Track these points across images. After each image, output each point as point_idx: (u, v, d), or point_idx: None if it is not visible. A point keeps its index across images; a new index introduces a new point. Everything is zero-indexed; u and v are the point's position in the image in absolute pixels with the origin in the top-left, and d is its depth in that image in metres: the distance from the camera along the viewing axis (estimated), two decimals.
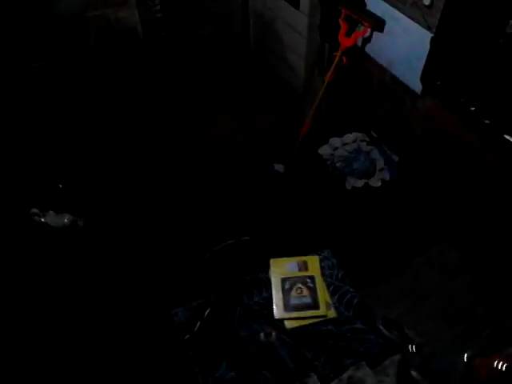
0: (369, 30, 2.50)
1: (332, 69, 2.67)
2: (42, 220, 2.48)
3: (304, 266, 2.08)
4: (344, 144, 2.95)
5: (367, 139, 2.97)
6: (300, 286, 2.00)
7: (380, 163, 2.85)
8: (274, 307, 1.94)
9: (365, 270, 2.34)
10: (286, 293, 1.98)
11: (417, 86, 2.43)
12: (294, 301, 1.95)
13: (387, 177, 2.83)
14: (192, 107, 3.45)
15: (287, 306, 1.94)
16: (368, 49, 2.67)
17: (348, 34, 2.56)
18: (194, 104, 3.48)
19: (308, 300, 1.96)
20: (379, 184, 2.81)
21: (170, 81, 3.56)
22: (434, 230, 2.58)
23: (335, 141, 2.98)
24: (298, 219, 2.69)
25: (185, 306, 1.96)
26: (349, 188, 2.83)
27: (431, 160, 2.63)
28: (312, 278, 2.03)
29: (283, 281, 2.02)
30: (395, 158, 2.88)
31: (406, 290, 2.33)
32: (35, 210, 2.48)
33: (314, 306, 1.94)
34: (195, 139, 3.23)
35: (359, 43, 2.68)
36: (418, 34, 2.27)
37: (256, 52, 3.92)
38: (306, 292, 1.98)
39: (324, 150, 2.97)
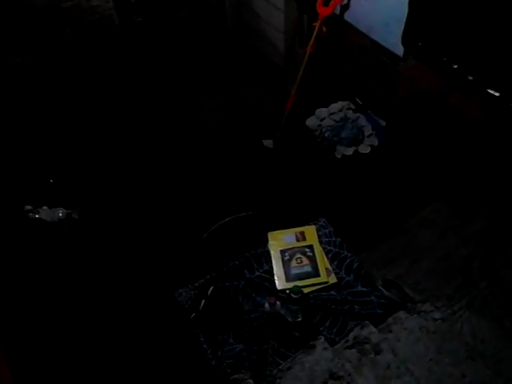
0: None
1: (312, 40, 2.65)
2: (37, 216, 2.48)
3: (302, 237, 2.11)
4: (330, 114, 2.96)
5: (353, 107, 2.99)
6: (299, 255, 2.05)
7: (368, 129, 2.87)
8: (276, 279, 1.98)
9: (361, 235, 2.38)
10: (286, 264, 2.02)
11: (398, 50, 2.43)
12: (294, 271, 2.00)
13: (376, 142, 2.85)
14: (174, 90, 3.43)
15: (288, 277, 1.98)
16: (347, 16, 2.66)
17: (325, 4, 2.54)
18: (176, 87, 3.46)
19: (308, 268, 2.00)
20: (368, 150, 2.83)
21: (149, 65, 3.53)
22: (426, 190, 2.62)
23: (321, 111, 2.99)
24: (292, 192, 2.71)
25: (188, 286, 2.00)
26: (339, 157, 2.85)
27: (417, 121, 2.65)
28: (310, 247, 2.07)
29: (282, 252, 2.06)
30: (382, 122, 2.90)
31: (403, 251, 2.37)
32: (29, 207, 2.48)
33: (315, 273, 1.98)
34: (181, 122, 3.22)
35: (338, 11, 2.67)
36: None
37: (234, 30, 3.87)
38: (305, 261, 2.02)
39: (311, 122, 2.98)
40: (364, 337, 1.53)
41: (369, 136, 2.86)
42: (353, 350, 1.51)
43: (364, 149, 2.84)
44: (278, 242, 2.10)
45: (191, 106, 3.32)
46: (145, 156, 2.97)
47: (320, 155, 2.88)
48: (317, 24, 2.60)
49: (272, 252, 2.06)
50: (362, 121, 2.90)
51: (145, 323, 2.18)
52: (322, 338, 1.55)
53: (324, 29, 2.63)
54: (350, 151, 2.83)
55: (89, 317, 2.23)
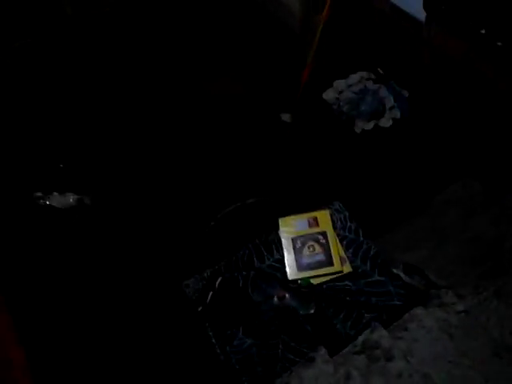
0: None
1: (327, 5, 2.46)
2: (47, 203, 2.44)
3: (314, 222, 1.99)
4: (349, 86, 2.77)
5: (374, 77, 2.78)
6: (312, 243, 1.93)
7: (389, 101, 2.67)
8: (287, 268, 1.88)
9: (380, 217, 2.22)
10: (297, 252, 1.91)
11: (420, 14, 2.22)
12: (306, 259, 1.89)
13: (398, 115, 2.65)
14: (188, 66, 3.29)
15: (300, 266, 1.87)
16: None
17: None
18: (188, 59, 3.31)
19: (321, 257, 1.88)
20: (390, 123, 2.64)
21: (159, 42, 3.39)
22: (453, 166, 2.43)
23: (340, 83, 2.80)
24: (307, 172, 2.57)
25: (195, 276, 1.93)
26: (358, 132, 2.67)
27: (443, 92, 2.44)
28: (324, 233, 1.95)
29: (294, 240, 1.94)
30: (405, 93, 2.69)
31: (427, 232, 2.21)
32: (38, 194, 2.44)
33: (328, 262, 1.87)
34: (196, 97, 3.08)
35: None
36: None
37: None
38: (318, 249, 1.91)
39: (329, 95, 2.80)
40: (374, 341, 1.42)
41: (391, 108, 2.66)
42: (361, 356, 1.40)
43: (385, 122, 2.64)
44: (290, 228, 1.98)
45: (206, 81, 3.19)
46: (157, 137, 2.88)
47: (339, 130, 2.72)
48: None
49: (283, 240, 1.95)
50: (383, 92, 2.70)
51: (151, 315, 2.11)
52: (323, 350, 1.45)
53: None
54: (370, 125, 2.65)
55: (95, 308, 2.19)
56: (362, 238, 1.96)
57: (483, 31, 1.92)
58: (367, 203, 2.27)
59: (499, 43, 1.87)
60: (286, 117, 2.92)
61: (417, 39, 2.38)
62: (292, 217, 2.02)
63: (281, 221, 2.01)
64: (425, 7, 2.14)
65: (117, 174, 2.68)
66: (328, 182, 2.44)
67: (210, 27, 3.47)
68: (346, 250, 1.93)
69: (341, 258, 1.88)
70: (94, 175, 2.66)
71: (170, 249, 2.32)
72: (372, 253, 1.92)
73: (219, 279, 1.85)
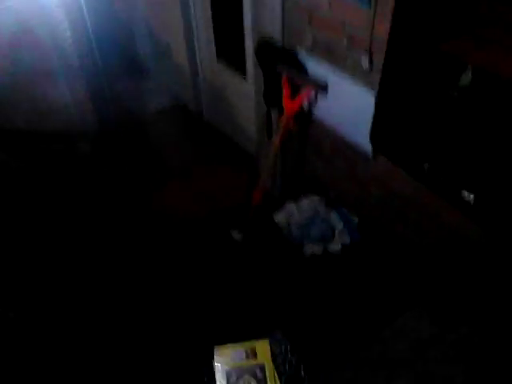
0: (312, 92, 2.42)
1: (280, 134, 2.57)
2: None
3: (252, 353, 1.84)
4: (300, 210, 2.80)
5: (324, 202, 2.83)
6: (247, 377, 1.77)
7: (339, 226, 2.69)
8: None
9: (327, 349, 2.10)
10: None
11: (368, 147, 2.32)
12: None
13: (347, 240, 2.66)
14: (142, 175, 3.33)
15: None
16: (316, 112, 2.58)
17: (292, 98, 2.47)
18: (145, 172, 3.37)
19: None
20: (339, 248, 2.63)
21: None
22: (403, 296, 2.39)
23: (291, 207, 2.83)
24: (251, 295, 2.48)
25: None
26: (307, 255, 2.64)
27: (391, 221, 2.48)
28: (262, 367, 1.80)
29: (229, 373, 1.78)
30: (355, 219, 2.73)
31: (374, 368, 2.10)
32: None
33: None
34: (144, 210, 3.06)
35: (306, 107, 2.60)
36: (361, 95, 2.18)
37: (209, 121, 3.89)
38: None
39: (280, 218, 2.81)
40: None
41: (340, 233, 2.67)
42: None
43: (335, 247, 2.64)
44: (226, 358, 1.82)
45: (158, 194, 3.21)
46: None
47: (287, 253, 2.68)
48: (283, 119, 2.52)
49: (217, 373, 1.79)
50: (334, 217, 2.73)
51: None
52: None
53: (292, 123, 2.56)
54: (319, 249, 2.63)
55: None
56: (303, 374, 1.81)
57: (427, 165, 1.98)
58: (312, 334, 2.16)
59: (442, 178, 1.93)
60: (236, 235, 2.89)
61: (365, 170, 2.46)
62: (229, 346, 1.87)
63: (217, 349, 1.86)
64: (371, 140, 2.23)
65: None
66: (271, 308, 2.34)
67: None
68: None
69: None
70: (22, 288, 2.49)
71: None
72: None
73: None
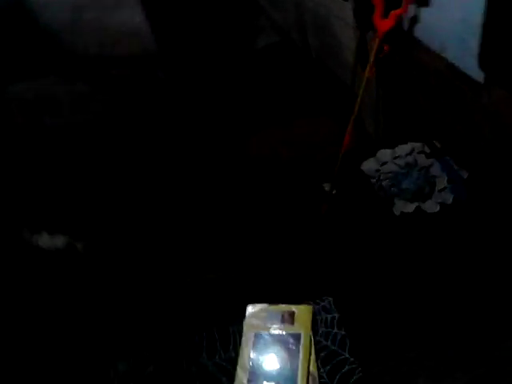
0: (408, 4, 1.89)
1: (371, 61, 2.09)
2: (35, 241, 2.26)
3: (290, 319, 1.51)
4: (395, 157, 2.30)
5: (427, 150, 2.29)
6: (277, 346, 1.46)
7: (441, 181, 2.15)
8: (238, 372, 1.42)
9: (385, 333, 1.66)
10: (257, 354, 1.45)
11: (478, 74, 1.74)
12: (263, 369, 1.41)
13: (449, 199, 2.11)
14: (232, 122, 3.10)
15: (254, 374, 1.40)
16: (417, 32, 2.04)
17: (385, 15, 1.97)
18: (244, 118, 3.14)
19: (284, 369, 1.40)
20: (437, 209, 2.11)
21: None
22: None
23: (384, 153, 2.35)
24: (323, 253, 2.12)
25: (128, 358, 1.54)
26: (397, 214, 2.17)
27: (509, 173, 1.89)
28: (297, 336, 1.47)
29: (257, 337, 1.49)
30: (464, 174, 2.16)
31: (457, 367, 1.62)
32: (26, 231, 2.27)
33: (290, 379, 1.38)
34: (236, 158, 2.86)
35: (405, 26, 2.07)
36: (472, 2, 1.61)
37: (317, 58, 3.49)
38: (283, 357, 1.43)
39: (368, 165, 2.35)
40: None
41: (441, 190, 2.14)
42: None
43: (431, 207, 2.12)
44: (258, 320, 1.53)
45: (255, 139, 2.97)
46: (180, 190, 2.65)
47: (373, 210, 2.24)
48: (375, 41, 2.04)
49: (244, 335, 1.50)
50: (436, 169, 2.19)
51: None
52: None
53: (385, 47, 2.07)
54: (410, 208, 2.14)
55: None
56: (347, 355, 1.44)
57: None
58: (373, 310, 1.72)
59: None
60: (328, 187, 2.56)
61: (476, 106, 1.88)
62: (264, 306, 1.57)
63: (250, 308, 1.57)
64: (481, 65, 1.67)
65: (118, 226, 2.46)
66: (330, 270, 1.95)
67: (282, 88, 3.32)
68: (320, 365, 1.42)
69: (310, 377, 1.38)
70: (93, 219, 2.45)
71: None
72: (355, 378, 1.39)
73: (150, 368, 1.46)
